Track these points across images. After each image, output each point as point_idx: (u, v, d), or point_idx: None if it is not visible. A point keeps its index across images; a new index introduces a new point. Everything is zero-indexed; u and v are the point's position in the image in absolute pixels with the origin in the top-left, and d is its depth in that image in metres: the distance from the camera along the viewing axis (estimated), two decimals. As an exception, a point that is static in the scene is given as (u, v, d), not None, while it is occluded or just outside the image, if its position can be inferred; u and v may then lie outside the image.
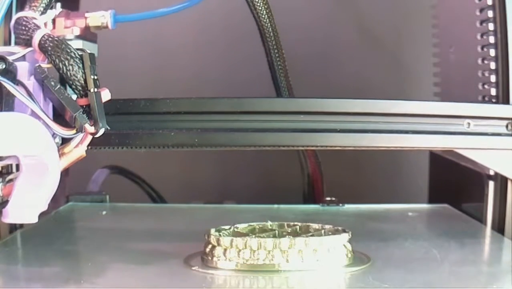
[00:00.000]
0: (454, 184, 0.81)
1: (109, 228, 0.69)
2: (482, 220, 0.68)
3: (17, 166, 0.47)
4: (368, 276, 0.50)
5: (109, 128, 0.48)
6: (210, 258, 0.52)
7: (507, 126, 0.58)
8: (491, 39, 0.67)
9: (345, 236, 0.52)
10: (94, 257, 0.56)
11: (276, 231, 0.53)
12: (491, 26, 0.67)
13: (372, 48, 1.02)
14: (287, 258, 0.50)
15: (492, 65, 0.67)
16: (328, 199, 0.76)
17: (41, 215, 0.45)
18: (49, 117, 0.47)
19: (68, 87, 0.48)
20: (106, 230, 0.67)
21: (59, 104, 0.47)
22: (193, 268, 0.51)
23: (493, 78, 0.67)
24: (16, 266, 0.55)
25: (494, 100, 0.66)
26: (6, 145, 0.44)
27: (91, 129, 0.47)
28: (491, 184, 0.68)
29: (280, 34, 0.64)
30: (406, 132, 0.57)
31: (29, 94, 0.46)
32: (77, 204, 0.79)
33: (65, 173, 0.98)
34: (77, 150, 0.49)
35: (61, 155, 0.48)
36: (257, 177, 1.00)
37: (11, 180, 0.47)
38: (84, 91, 0.47)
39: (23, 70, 0.47)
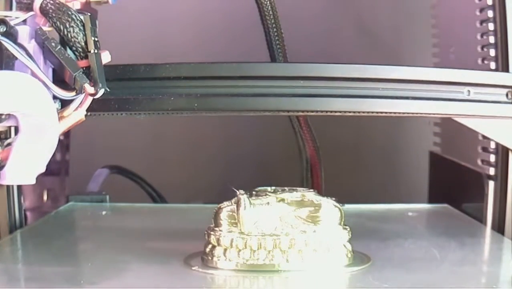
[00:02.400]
0: (454, 184, 0.81)
1: (109, 228, 0.69)
2: (482, 220, 0.68)
3: (16, 131, 0.47)
4: (368, 276, 0.50)
5: (108, 90, 0.48)
6: (210, 258, 0.52)
7: (507, 94, 0.58)
8: (491, 39, 0.67)
9: (345, 236, 0.52)
10: (94, 257, 0.56)
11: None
12: (491, 26, 0.67)
13: (372, 48, 1.02)
14: (287, 258, 0.50)
15: (492, 65, 0.67)
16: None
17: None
18: (49, 79, 0.47)
19: (68, 51, 0.48)
20: (106, 230, 0.67)
21: (59, 66, 0.47)
22: (193, 268, 0.51)
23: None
24: (16, 266, 0.55)
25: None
26: (5, 102, 0.44)
27: (91, 89, 0.47)
28: (491, 184, 0.68)
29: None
30: (407, 98, 0.57)
31: (30, 56, 0.46)
32: (77, 204, 0.79)
33: (65, 173, 0.98)
34: (77, 113, 0.49)
35: (60, 118, 0.48)
36: (258, 177, 1.00)
37: (9, 144, 0.47)
38: (84, 53, 0.48)
39: (23, 33, 0.47)
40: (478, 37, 0.70)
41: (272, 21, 0.62)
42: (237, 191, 0.51)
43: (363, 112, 0.56)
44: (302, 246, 0.50)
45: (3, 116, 0.46)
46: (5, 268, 0.53)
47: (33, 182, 0.47)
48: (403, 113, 0.57)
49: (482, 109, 0.58)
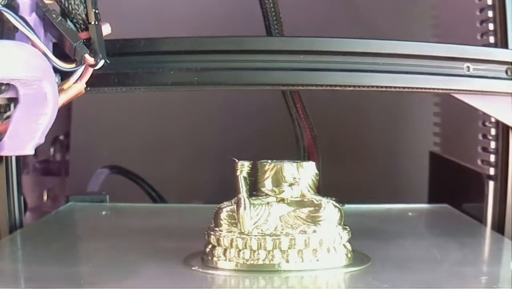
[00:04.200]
0: (454, 184, 0.81)
1: (109, 228, 0.69)
2: (482, 220, 0.68)
3: (15, 104, 0.47)
4: (368, 276, 0.50)
5: (108, 62, 0.48)
6: (210, 258, 0.52)
7: (506, 71, 0.58)
8: (491, 39, 0.67)
9: (345, 236, 0.52)
10: (94, 257, 0.56)
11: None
12: (491, 26, 0.67)
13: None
14: (287, 258, 0.50)
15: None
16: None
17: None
18: (49, 50, 0.47)
19: (69, 23, 0.48)
20: (106, 230, 0.67)
21: (60, 38, 0.47)
22: (193, 268, 0.51)
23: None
24: (16, 266, 0.55)
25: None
26: (6, 68, 0.44)
27: (91, 60, 0.47)
28: (491, 184, 0.68)
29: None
30: (407, 73, 0.57)
31: (31, 28, 0.46)
32: (77, 204, 0.79)
33: (65, 173, 0.99)
34: (77, 85, 0.49)
35: (60, 91, 0.48)
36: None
37: (8, 117, 0.47)
38: (85, 25, 0.48)
39: (24, 6, 0.47)
40: (478, 37, 0.70)
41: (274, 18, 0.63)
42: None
43: (363, 86, 0.56)
44: (302, 246, 0.50)
45: (2, 88, 0.46)
46: (5, 268, 0.53)
47: (32, 152, 0.47)
48: (404, 88, 0.57)
49: (481, 85, 0.58)
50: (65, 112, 1.01)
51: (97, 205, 0.79)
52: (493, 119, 0.68)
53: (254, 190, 0.54)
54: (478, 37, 0.69)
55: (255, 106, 1.01)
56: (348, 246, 0.52)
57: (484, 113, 0.70)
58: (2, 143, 0.46)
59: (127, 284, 0.49)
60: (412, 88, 0.57)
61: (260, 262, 0.50)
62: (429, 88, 0.57)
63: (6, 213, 0.66)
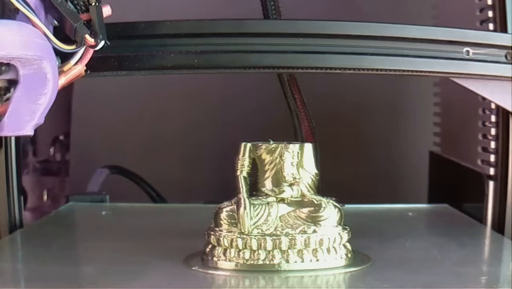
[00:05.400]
0: (454, 184, 0.81)
1: (109, 228, 0.69)
2: (482, 220, 0.68)
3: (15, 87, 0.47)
4: (368, 276, 0.50)
5: (108, 43, 0.48)
6: (210, 258, 0.52)
7: (506, 56, 0.58)
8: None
9: (345, 236, 0.52)
10: (94, 257, 0.56)
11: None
12: (491, 26, 0.67)
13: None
14: (287, 258, 0.50)
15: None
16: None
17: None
18: (50, 32, 0.47)
19: (70, 4, 0.48)
20: (106, 230, 0.67)
21: (60, 20, 0.47)
22: (193, 268, 0.51)
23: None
24: (16, 266, 0.55)
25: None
26: (6, 47, 0.44)
27: (91, 41, 0.48)
28: (491, 184, 0.68)
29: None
30: (407, 56, 0.57)
31: (31, 9, 0.46)
32: (77, 204, 0.79)
33: (65, 173, 0.98)
34: (77, 67, 0.49)
35: (60, 73, 0.48)
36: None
37: (8, 100, 0.47)
38: (85, 7, 0.48)
39: None
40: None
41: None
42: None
43: (363, 69, 0.56)
44: (302, 246, 0.50)
45: (3, 68, 0.46)
46: (5, 268, 0.53)
47: (31, 133, 0.47)
48: (403, 71, 0.57)
49: (481, 69, 0.58)
50: (65, 112, 1.01)
51: (97, 205, 0.79)
52: (493, 120, 0.68)
53: (254, 190, 0.54)
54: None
55: (255, 105, 1.01)
56: (348, 246, 0.52)
57: (484, 107, 0.70)
58: (2, 123, 0.46)
59: (127, 284, 0.49)
60: (412, 71, 0.57)
61: (260, 262, 0.50)
62: (429, 72, 0.57)
63: (6, 213, 0.66)
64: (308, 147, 0.54)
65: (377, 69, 0.56)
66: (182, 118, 1.03)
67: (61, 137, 1.00)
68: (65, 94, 1.00)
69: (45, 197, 0.93)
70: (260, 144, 0.53)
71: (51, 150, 0.98)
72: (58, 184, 0.96)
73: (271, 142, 0.53)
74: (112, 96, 1.02)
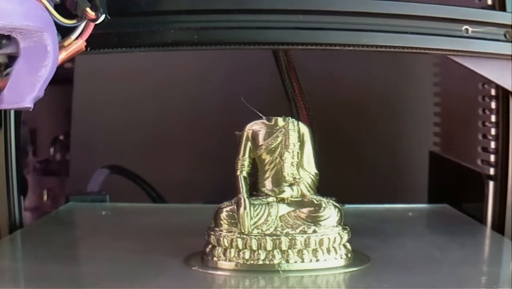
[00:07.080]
0: (454, 184, 0.81)
1: (109, 228, 0.69)
2: (482, 220, 0.68)
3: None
4: (368, 276, 0.50)
5: (109, 17, 0.48)
6: (210, 258, 0.52)
7: (505, 35, 0.58)
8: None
9: (345, 236, 0.52)
10: (94, 257, 0.56)
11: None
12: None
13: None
14: (287, 258, 0.50)
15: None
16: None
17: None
18: (51, 6, 0.47)
19: None
20: (106, 230, 0.67)
21: None
22: (193, 268, 0.51)
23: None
24: (16, 265, 0.55)
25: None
26: (7, 17, 0.43)
27: (92, 14, 0.47)
28: (491, 184, 0.68)
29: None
30: (405, 33, 0.57)
31: None
32: (77, 204, 0.79)
33: (65, 173, 0.98)
34: (77, 42, 0.49)
35: (61, 47, 0.48)
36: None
37: (8, 74, 0.47)
38: None
39: None
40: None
41: None
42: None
43: (362, 45, 0.56)
44: (302, 246, 0.50)
45: (3, 42, 0.46)
46: (5, 268, 0.53)
47: (31, 105, 0.47)
48: (402, 47, 0.57)
49: (479, 47, 0.58)
50: (65, 112, 1.01)
51: (97, 205, 0.79)
52: (493, 119, 0.68)
53: (254, 190, 0.54)
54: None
55: (254, 105, 1.01)
56: (348, 246, 0.52)
57: (484, 107, 0.70)
58: (2, 96, 0.46)
59: (127, 283, 0.49)
60: (410, 48, 0.57)
61: (260, 262, 0.50)
62: (427, 49, 0.57)
63: (6, 213, 0.66)
64: (308, 147, 0.54)
65: (376, 46, 0.56)
66: (182, 119, 1.03)
67: (61, 137, 1.01)
68: (65, 95, 1.00)
69: (45, 197, 0.93)
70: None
71: (51, 150, 0.98)
72: (58, 184, 0.96)
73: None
74: (112, 96, 1.02)
